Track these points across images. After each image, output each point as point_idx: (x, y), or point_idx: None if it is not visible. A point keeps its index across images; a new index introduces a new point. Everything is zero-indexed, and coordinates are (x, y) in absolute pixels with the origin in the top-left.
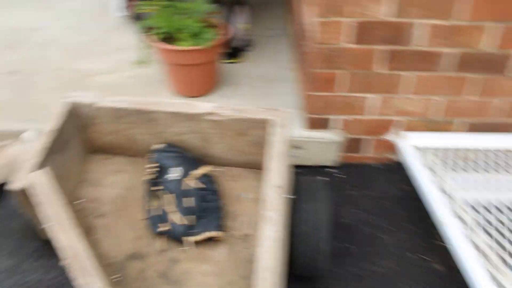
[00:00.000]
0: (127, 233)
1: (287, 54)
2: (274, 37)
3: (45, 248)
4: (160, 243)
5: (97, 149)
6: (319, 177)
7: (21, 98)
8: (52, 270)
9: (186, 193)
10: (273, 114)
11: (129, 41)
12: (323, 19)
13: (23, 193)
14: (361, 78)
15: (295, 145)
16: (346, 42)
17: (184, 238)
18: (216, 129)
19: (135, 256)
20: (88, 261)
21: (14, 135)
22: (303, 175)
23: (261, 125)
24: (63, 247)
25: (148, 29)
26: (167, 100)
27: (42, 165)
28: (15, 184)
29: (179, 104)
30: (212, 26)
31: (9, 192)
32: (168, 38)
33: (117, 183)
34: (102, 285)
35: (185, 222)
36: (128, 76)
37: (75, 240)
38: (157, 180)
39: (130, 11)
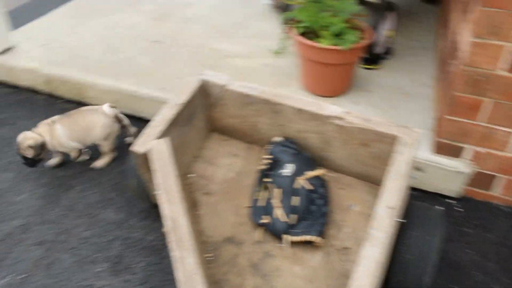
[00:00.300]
0: (229, 216)
1: (428, 69)
2: (419, 49)
3: (152, 211)
4: (258, 234)
5: (218, 129)
6: (435, 206)
7: (158, 67)
8: (153, 233)
9: (295, 192)
10: (403, 132)
11: (270, 29)
12: (479, 40)
13: (144, 157)
14: (509, 111)
15: (416, 167)
16: (500, 69)
17: (284, 236)
18: (339, 134)
19: (231, 241)
20: (186, 235)
21: (140, 99)
22: (419, 200)
23: (388, 140)
24: (167, 217)
25: (290, 21)
26: (296, 96)
27: (165, 134)
28: (138, 147)
29: (308, 102)
30: (356, 28)
31: (132, 152)
32: (309, 33)
33: (230, 165)
34: (195, 261)
35: (287, 219)
36: (262, 64)
37: (179, 213)
38: (269, 172)
39: (276, 0)
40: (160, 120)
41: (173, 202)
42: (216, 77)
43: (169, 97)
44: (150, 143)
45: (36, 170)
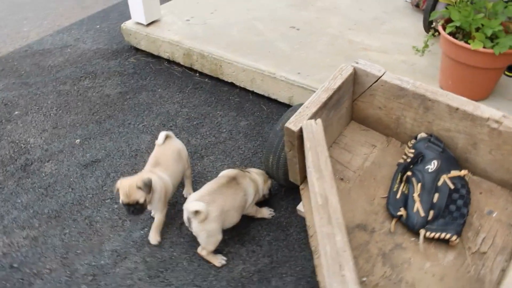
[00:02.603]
0: (363, 204)
1: None
2: None
3: (281, 188)
4: (391, 225)
5: (360, 118)
6: None
7: (295, 53)
8: (280, 210)
9: (437, 189)
10: None
11: (408, 27)
12: None
13: (295, 135)
14: None
15: None
16: None
17: (421, 230)
18: (491, 138)
19: (363, 228)
20: (337, 213)
21: (277, 80)
22: None
23: None
24: (317, 194)
25: (439, 20)
26: (452, 94)
27: (315, 116)
28: (291, 125)
29: (465, 101)
30: (510, 32)
31: (285, 129)
32: (457, 33)
33: (367, 155)
34: (344, 239)
35: (423, 214)
36: (399, 60)
37: (331, 192)
38: (410, 166)
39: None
40: (313, 102)
41: (325, 180)
42: (372, 67)
43: (304, 82)
44: (304, 122)
45: (174, 132)
